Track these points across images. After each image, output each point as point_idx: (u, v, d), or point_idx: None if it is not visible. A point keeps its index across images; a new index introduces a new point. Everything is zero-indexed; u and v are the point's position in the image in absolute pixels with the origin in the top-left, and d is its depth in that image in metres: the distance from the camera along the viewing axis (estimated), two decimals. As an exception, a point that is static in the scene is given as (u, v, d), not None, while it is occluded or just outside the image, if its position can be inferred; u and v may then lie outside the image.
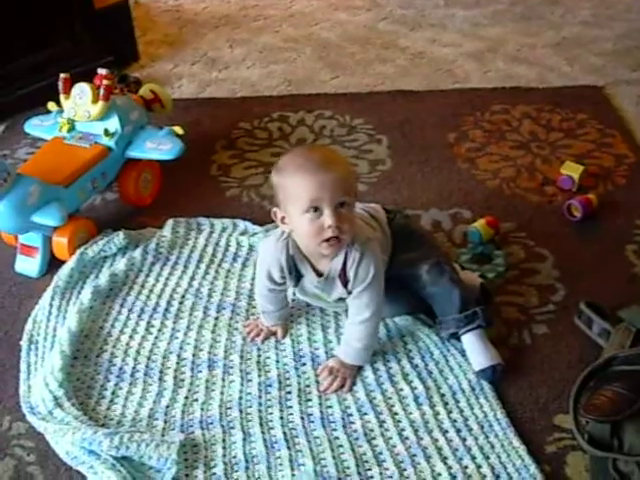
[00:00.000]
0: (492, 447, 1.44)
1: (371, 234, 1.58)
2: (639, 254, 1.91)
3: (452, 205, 2.08)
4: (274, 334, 1.69)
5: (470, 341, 1.59)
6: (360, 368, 1.60)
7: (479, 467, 1.41)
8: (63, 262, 1.88)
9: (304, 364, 1.62)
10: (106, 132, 1.99)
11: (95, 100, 1.97)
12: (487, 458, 1.42)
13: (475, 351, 1.58)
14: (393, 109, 2.57)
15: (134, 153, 2.02)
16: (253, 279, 1.82)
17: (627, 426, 1.40)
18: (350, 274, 1.51)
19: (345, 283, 1.53)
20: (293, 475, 1.40)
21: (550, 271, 1.85)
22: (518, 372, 1.61)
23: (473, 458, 1.42)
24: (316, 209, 1.41)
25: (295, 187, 1.42)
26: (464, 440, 1.46)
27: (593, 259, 1.89)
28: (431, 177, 2.22)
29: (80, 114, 2.00)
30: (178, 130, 2.03)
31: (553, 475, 1.41)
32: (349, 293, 1.55)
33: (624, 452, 1.37)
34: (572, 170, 2.12)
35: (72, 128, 2.03)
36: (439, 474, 1.39)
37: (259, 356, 1.64)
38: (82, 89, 1.99)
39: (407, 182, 2.20)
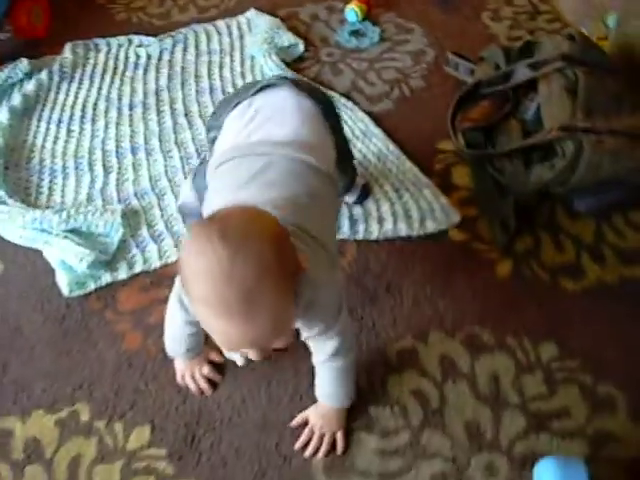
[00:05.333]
0: (390, 171, 1.70)
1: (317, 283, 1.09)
2: (493, 19, 2.18)
3: (324, -2, 2.29)
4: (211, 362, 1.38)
5: None
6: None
7: (381, 186, 1.66)
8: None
9: (218, 138, 1.81)
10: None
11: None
12: (387, 179, 1.68)
13: None
14: None
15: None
16: (157, 80, 1.99)
17: (496, 131, 1.69)
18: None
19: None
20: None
21: (420, 39, 2.10)
22: (403, 119, 1.85)
23: (376, 180, 1.67)
24: None
25: (202, 318, 0.99)
26: (366, 169, 1.70)
27: (455, 26, 2.15)
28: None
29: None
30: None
31: (443, 183, 1.68)
32: None
33: (496, 150, 1.65)
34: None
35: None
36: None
37: (176, 137, 1.82)
38: None
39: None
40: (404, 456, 1.26)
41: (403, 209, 1.61)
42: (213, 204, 1.16)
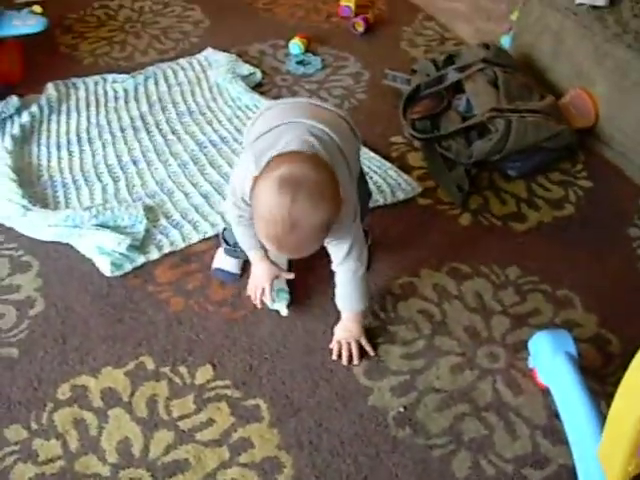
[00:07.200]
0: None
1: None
2: (410, 46, 2.67)
3: (268, 39, 2.68)
4: (277, 277, 1.66)
5: None
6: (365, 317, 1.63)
7: (354, 171, 2.01)
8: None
9: (206, 147, 2.11)
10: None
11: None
12: (357, 165, 2.03)
13: None
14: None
15: (4, 31, 2.32)
16: (138, 108, 2.26)
17: (439, 119, 2.10)
18: None
19: None
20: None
21: (355, 64, 2.55)
22: (357, 123, 2.20)
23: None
24: None
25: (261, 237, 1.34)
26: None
27: (381, 53, 2.61)
28: (244, 24, 2.79)
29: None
30: (37, 9, 2.37)
31: (401, 166, 2.07)
32: None
33: (441, 133, 2.06)
34: (348, 1, 2.79)
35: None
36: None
37: (170, 150, 2.10)
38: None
39: (224, 29, 2.75)
40: (425, 356, 1.58)
41: (375, 186, 1.96)
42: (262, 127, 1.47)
